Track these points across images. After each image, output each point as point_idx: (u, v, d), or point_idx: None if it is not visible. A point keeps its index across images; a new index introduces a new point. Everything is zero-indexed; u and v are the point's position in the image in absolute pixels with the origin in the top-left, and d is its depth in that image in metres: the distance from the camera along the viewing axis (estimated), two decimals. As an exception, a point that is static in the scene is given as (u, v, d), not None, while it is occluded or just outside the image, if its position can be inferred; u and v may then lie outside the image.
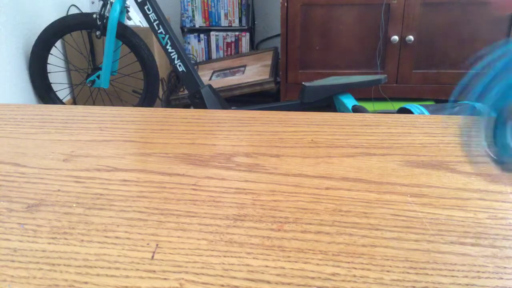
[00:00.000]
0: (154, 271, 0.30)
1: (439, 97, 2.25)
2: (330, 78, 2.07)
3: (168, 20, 2.08)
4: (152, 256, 0.31)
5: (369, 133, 0.49)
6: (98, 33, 2.01)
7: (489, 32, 2.21)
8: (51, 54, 2.15)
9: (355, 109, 1.78)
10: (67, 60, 2.36)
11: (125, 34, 2.01)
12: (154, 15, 1.91)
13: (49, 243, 0.32)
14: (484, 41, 2.23)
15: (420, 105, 1.35)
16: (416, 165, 0.42)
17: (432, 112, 1.30)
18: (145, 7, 1.90)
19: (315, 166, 0.43)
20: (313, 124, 0.51)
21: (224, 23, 2.74)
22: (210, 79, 2.54)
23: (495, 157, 0.30)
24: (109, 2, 1.98)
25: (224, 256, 0.31)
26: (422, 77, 2.30)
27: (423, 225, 0.34)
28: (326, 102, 1.91)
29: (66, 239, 0.33)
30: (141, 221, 0.35)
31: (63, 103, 2.28)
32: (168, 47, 1.92)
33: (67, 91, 2.40)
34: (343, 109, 1.83)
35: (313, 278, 0.29)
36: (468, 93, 0.30)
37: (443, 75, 2.30)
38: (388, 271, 0.29)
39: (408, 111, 1.30)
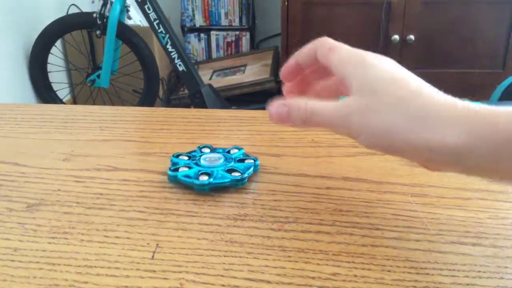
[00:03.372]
0: (154, 271, 0.30)
1: (440, 97, 2.25)
2: (330, 77, 2.06)
3: (168, 19, 2.07)
4: (152, 256, 0.31)
5: (369, 133, 0.49)
6: (98, 32, 2.01)
7: (489, 31, 2.21)
8: (51, 53, 2.15)
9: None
10: (67, 60, 2.36)
11: (125, 33, 2.01)
12: (154, 14, 1.91)
13: (49, 243, 0.32)
14: (484, 40, 2.23)
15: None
16: (416, 165, 0.42)
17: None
18: (145, 6, 1.90)
19: (315, 165, 0.42)
20: (313, 124, 0.51)
21: (224, 22, 2.74)
22: (210, 78, 2.54)
23: None
24: (109, 1, 1.98)
25: (225, 256, 0.31)
26: (422, 76, 2.29)
27: (424, 225, 0.34)
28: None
29: (66, 238, 0.33)
30: (141, 220, 0.35)
31: (63, 103, 2.28)
32: (168, 46, 1.92)
33: (67, 90, 2.40)
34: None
35: (313, 278, 0.29)
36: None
37: (444, 74, 2.30)
38: (388, 271, 0.29)
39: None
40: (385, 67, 0.30)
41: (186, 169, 0.40)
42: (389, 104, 0.28)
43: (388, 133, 0.28)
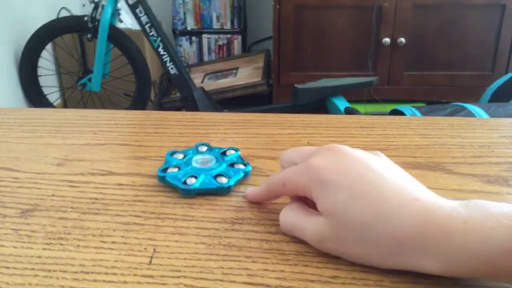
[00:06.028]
0: (152, 276, 0.29)
1: (430, 99, 2.27)
2: (322, 80, 2.07)
3: (160, 22, 2.07)
4: (150, 261, 0.31)
5: (364, 135, 0.49)
6: (89, 36, 2.00)
7: (479, 34, 2.24)
8: (42, 57, 2.13)
9: (348, 111, 1.79)
10: (57, 63, 2.34)
11: (117, 36, 2.00)
12: (146, 18, 1.90)
13: (44, 249, 0.32)
14: (474, 43, 2.25)
15: (412, 106, 1.35)
16: (412, 167, 0.42)
17: (424, 113, 1.31)
18: (137, 10, 1.90)
19: (312, 168, 0.42)
20: (308, 126, 0.51)
21: (216, 25, 2.74)
22: (202, 81, 2.54)
23: None
24: (100, 4, 1.97)
25: (223, 260, 0.31)
26: (413, 79, 2.31)
27: (421, 227, 0.34)
28: (318, 104, 1.92)
29: (61, 244, 0.32)
30: (137, 225, 0.34)
31: (54, 107, 2.26)
32: (160, 49, 1.92)
33: (57, 94, 2.38)
34: (335, 111, 1.84)
35: (313, 281, 0.29)
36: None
37: (434, 77, 2.32)
38: (388, 273, 0.29)
39: (401, 113, 1.31)
40: (352, 186, 0.29)
41: (176, 169, 0.40)
42: (356, 232, 0.28)
43: (366, 260, 0.29)
